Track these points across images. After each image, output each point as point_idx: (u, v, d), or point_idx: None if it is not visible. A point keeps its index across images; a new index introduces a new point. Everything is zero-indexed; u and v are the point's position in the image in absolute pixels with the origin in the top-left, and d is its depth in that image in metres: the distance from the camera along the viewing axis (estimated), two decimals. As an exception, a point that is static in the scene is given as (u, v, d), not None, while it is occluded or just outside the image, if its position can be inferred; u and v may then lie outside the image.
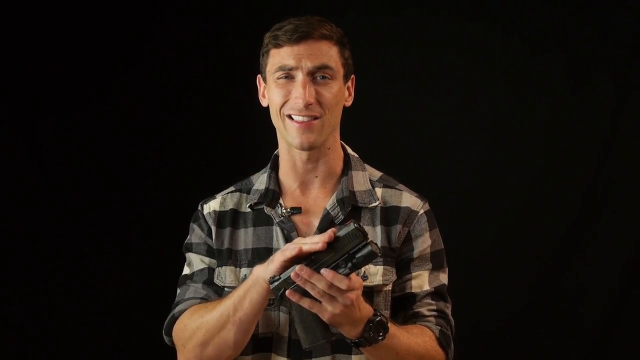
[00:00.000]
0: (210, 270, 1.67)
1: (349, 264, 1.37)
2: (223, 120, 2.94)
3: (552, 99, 2.83)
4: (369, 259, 1.37)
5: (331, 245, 1.37)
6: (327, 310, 1.39)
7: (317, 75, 1.57)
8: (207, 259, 1.68)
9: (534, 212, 2.86)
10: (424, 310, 1.62)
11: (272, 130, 1.69)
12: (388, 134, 2.86)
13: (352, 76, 1.68)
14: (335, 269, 1.37)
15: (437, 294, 1.65)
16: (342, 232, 1.37)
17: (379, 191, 1.67)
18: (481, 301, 2.81)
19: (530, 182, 2.86)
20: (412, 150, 2.87)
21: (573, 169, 2.84)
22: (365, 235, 1.37)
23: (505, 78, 2.85)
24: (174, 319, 1.61)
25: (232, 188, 1.74)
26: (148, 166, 2.94)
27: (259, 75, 1.68)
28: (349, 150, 1.72)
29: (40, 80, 2.88)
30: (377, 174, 1.72)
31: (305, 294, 1.39)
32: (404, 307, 1.64)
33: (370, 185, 1.67)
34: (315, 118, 1.57)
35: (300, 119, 1.57)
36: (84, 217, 2.92)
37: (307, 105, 1.56)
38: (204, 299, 1.62)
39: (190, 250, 1.71)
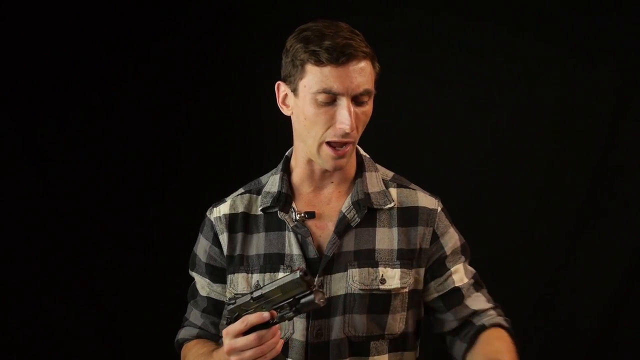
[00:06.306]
0: (209, 300, 1.69)
1: (293, 308, 1.41)
2: (229, 124, 2.90)
3: (556, 99, 2.81)
4: (310, 307, 1.40)
5: (281, 287, 1.40)
6: None
7: (359, 99, 1.52)
8: (207, 285, 1.69)
9: (535, 212, 2.84)
10: (480, 306, 1.64)
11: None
12: (395, 134, 2.80)
13: None
14: (279, 309, 1.42)
15: (476, 283, 1.68)
16: (289, 278, 1.39)
17: (393, 191, 1.65)
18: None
19: (534, 181, 2.85)
20: (418, 149, 2.84)
21: (577, 165, 2.81)
22: (309, 285, 1.38)
23: (511, 77, 2.81)
24: (179, 344, 1.75)
25: (241, 190, 1.71)
26: (150, 169, 2.89)
27: (279, 82, 1.58)
28: (361, 151, 1.69)
29: (42, 82, 2.82)
30: (389, 174, 1.69)
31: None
32: (453, 303, 1.64)
33: (383, 186, 1.65)
34: (350, 143, 1.53)
35: (339, 147, 1.52)
36: (85, 219, 2.88)
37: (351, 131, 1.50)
38: (202, 329, 1.71)
39: (194, 267, 1.72)
